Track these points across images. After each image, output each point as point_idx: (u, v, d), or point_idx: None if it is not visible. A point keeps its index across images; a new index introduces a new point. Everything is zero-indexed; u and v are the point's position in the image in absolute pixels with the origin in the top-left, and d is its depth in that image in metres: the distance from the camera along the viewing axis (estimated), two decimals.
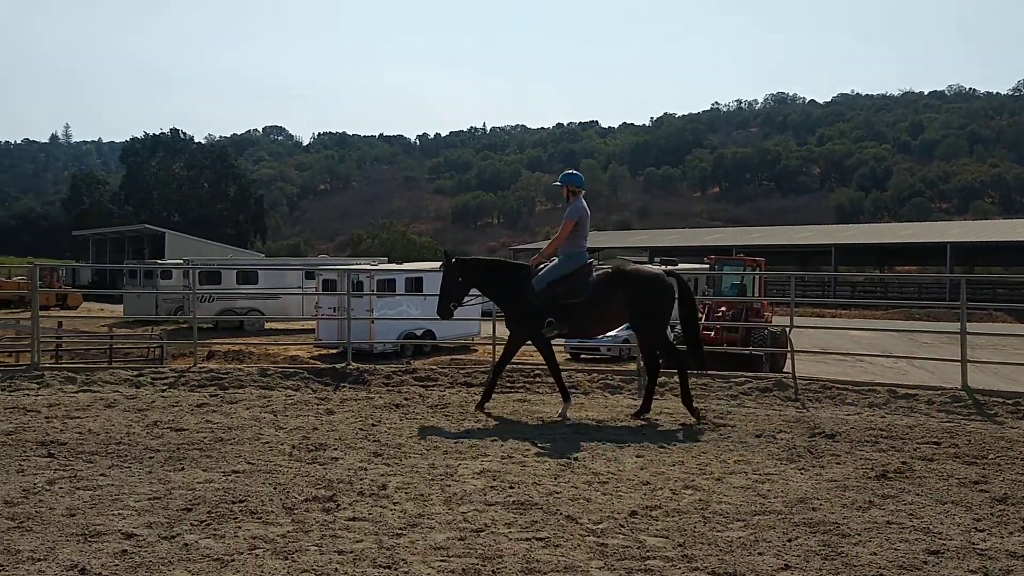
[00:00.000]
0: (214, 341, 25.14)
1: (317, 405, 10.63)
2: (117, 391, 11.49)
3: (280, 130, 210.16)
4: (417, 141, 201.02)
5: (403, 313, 27.68)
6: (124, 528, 5.61)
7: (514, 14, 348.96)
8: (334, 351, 24.80)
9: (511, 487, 6.85)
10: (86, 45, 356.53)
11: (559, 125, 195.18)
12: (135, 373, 12.45)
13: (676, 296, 10.26)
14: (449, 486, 6.84)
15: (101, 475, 7.02)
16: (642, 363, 11.23)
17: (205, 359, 14.98)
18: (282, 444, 8.32)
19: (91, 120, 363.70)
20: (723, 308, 23.34)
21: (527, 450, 8.27)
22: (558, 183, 10.59)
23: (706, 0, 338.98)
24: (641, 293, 10.05)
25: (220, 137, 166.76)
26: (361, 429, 9.15)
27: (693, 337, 10.42)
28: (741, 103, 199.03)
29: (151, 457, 7.68)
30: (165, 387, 11.83)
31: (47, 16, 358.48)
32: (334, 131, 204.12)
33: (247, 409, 10.25)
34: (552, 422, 9.78)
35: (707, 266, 28.21)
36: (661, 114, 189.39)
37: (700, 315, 12.82)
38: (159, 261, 45.05)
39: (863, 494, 6.81)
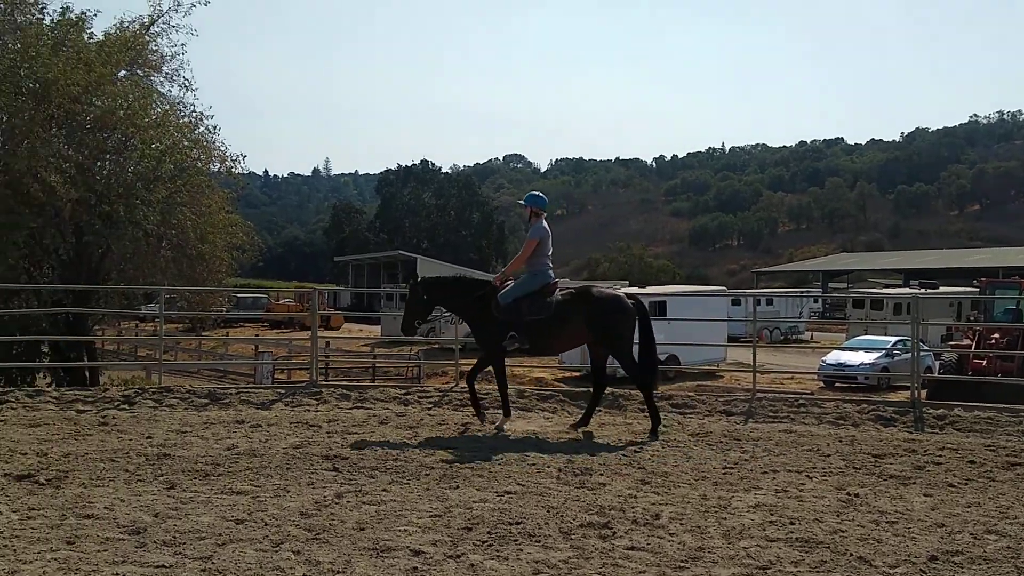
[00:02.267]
0: (465, 362, 25.94)
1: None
2: (387, 408, 12.05)
3: (519, 158, 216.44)
4: (653, 163, 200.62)
5: None
6: (411, 545, 5.78)
7: (748, 30, 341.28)
8: (577, 374, 24.97)
9: (791, 523, 6.50)
10: (345, 85, 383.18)
11: (801, 143, 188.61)
12: (403, 391, 13.01)
13: (635, 318, 10.61)
14: (725, 519, 6.59)
15: (383, 490, 7.31)
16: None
17: (457, 378, 15.62)
18: (548, 466, 8.36)
19: (348, 154, 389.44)
20: (996, 335, 21.50)
21: (802, 484, 7.85)
22: (522, 202, 11.09)
23: (959, 4, 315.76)
24: (598, 313, 10.43)
25: (464, 167, 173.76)
26: (624, 455, 9.05)
27: (651, 358, 10.76)
28: (1003, 114, 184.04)
29: (427, 474, 7.93)
30: (431, 405, 12.28)
31: (311, 59, 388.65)
32: (571, 157, 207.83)
33: (509, 430, 10.42)
34: (825, 455, 9.26)
35: (975, 289, 26.16)
36: (913, 128, 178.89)
37: (971, 343, 11.85)
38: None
39: None
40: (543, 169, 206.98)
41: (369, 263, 76.67)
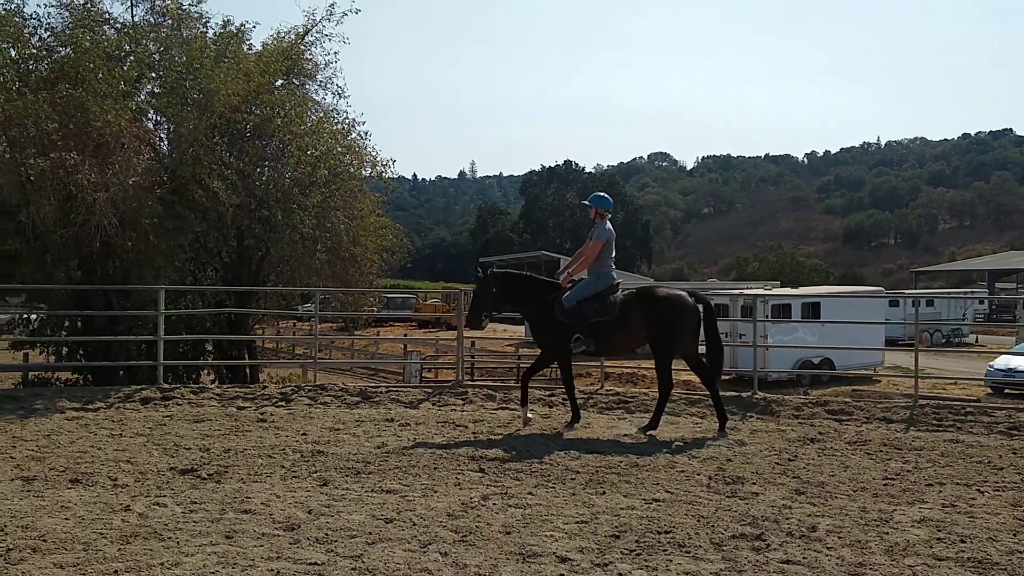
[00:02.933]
0: (610, 364, 25.76)
1: (727, 435, 10.34)
2: (532, 410, 12.04)
3: (665, 156, 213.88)
4: (805, 159, 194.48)
5: (799, 340, 26.62)
6: (558, 551, 5.72)
7: (905, 16, 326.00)
8: (726, 377, 24.42)
9: (962, 541, 6.09)
10: (490, 88, 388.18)
11: (965, 135, 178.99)
12: (547, 393, 13.00)
13: (700, 317, 10.56)
14: (887, 534, 6.23)
15: (529, 494, 7.28)
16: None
17: (602, 380, 15.46)
18: (698, 474, 8.15)
19: (494, 156, 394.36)
20: None
21: (972, 499, 7.36)
22: (587, 203, 10.96)
23: None
24: (660, 313, 10.35)
25: (608, 166, 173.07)
26: (777, 463, 8.73)
27: (717, 356, 10.71)
28: None
29: (572, 479, 7.85)
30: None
31: (456, 63, 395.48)
32: (718, 154, 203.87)
33: (657, 435, 10.23)
34: (997, 467, 8.67)
35: None
36: None
37: None
38: None
39: None
40: (689, 167, 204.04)
41: (513, 263, 77.19)
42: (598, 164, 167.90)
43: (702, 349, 10.93)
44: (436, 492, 7.28)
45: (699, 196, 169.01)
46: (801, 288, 40.00)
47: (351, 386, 13.98)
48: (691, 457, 8.95)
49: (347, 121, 19.06)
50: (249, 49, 17.76)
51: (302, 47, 18.32)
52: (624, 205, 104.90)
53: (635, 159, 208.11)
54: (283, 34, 18.39)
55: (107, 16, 16.85)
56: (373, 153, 19.16)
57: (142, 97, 16.58)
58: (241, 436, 9.92)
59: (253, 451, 8.93)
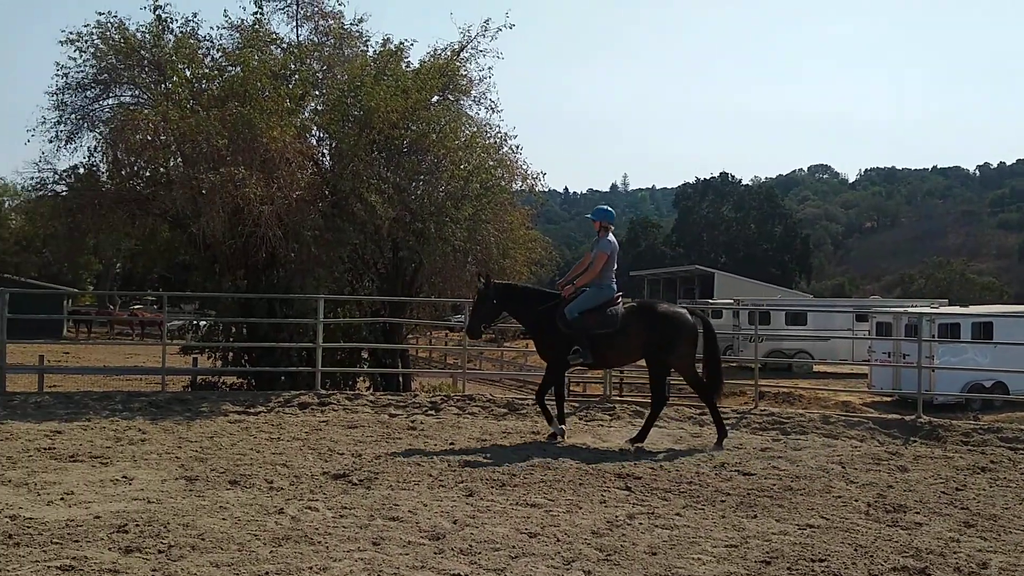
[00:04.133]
0: (765, 382, 25.03)
1: (888, 460, 9.81)
2: (682, 428, 11.80)
3: (825, 168, 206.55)
4: (976, 171, 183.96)
5: (969, 361, 25.09)
6: (705, 575, 5.53)
7: None
8: (888, 399, 23.30)
9: None
10: (642, 99, 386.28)
11: None
12: (698, 411, 12.71)
13: (698, 334, 10.76)
14: None
15: (676, 514, 7.09)
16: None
17: (756, 399, 14.96)
18: (856, 500, 7.75)
19: (646, 169, 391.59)
20: None
21: None
22: (590, 216, 11.05)
23: None
24: (659, 329, 10.51)
25: (766, 178, 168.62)
26: (944, 492, 8.20)
27: (716, 372, 10.88)
28: None
29: (722, 501, 7.61)
30: (727, 427, 11.86)
31: (606, 76, 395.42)
32: (882, 166, 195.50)
33: (812, 458, 9.81)
34: None
35: None
36: None
37: None
38: (709, 300, 46.49)
39: None
40: (851, 179, 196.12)
41: (665, 278, 76.45)
42: (755, 176, 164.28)
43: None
44: (581, 508, 7.19)
45: (862, 210, 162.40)
46: (972, 307, 37.72)
47: (499, 397, 14.08)
48: (849, 482, 8.53)
49: (499, 135, 19.26)
50: (407, 67, 18.20)
51: (457, 63, 18.65)
52: (782, 219, 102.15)
53: (794, 171, 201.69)
54: (439, 51, 18.79)
55: (274, 36, 17.70)
56: (524, 166, 19.29)
57: (306, 114, 17.26)
58: (392, 443, 10.13)
59: (403, 459, 9.09)
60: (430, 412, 12.57)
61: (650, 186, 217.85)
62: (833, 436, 11.27)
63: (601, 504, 7.39)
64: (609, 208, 11.26)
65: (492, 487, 7.89)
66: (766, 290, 57.25)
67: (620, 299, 10.80)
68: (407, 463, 8.86)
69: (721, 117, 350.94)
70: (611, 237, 10.85)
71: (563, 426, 10.86)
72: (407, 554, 5.77)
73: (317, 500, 7.18)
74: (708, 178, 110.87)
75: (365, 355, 18.77)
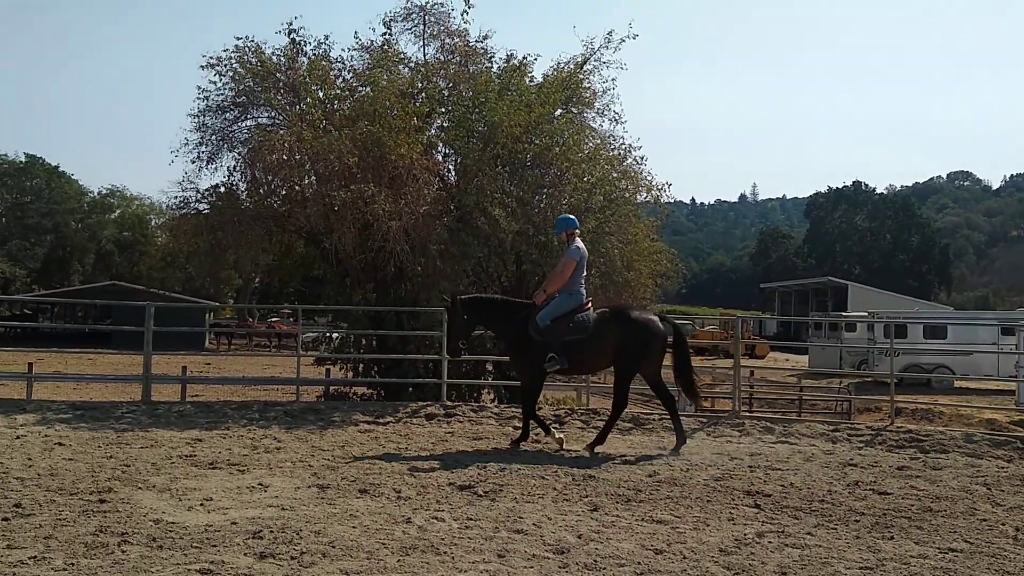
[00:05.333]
0: (901, 398, 24.05)
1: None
2: (814, 445, 11.45)
3: (966, 175, 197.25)
4: None
5: None
6: None
7: None
8: None
9: None
10: (770, 108, 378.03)
11: None
12: (831, 428, 12.30)
13: (667, 342, 11.00)
14: None
15: (808, 533, 6.87)
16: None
17: (892, 416, 14.29)
18: (1003, 524, 7.34)
19: (776, 178, 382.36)
20: None
21: None
22: (555, 230, 11.39)
23: None
24: (630, 335, 10.66)
25: (901, 186, 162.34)
26: None
27: (688, 380, 11.14)
28: None
29: (856, 520, 7.33)
30: (862, 444, 11.47)
31: (731, 84, 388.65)
32: None
33: (954, 478, 9.36)
34: None
35: None
36: None
37: None
38: (843, 313, 45.04)
39: None
40: (995, 186, 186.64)
41: (796, 290, 74.54)
42: (890, 185, 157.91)
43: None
44: (708, 525, 7.05)
45: (1007, 217, 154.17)
46: None
47: (624, 412, 13.95)
48: (995, 504, 8.10)
49: (623, 146, 19.16)
50: (530, 81, 18.34)
51: (580, 76, 18.68)
52: (920, 228, 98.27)
53: (932, 179, 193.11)
54: (562, 64, 18.86)
55: (402, 56, 18.12)
56: (649, 177, 19.13)
57: (432, 131, 17.61)
58: (516, 456, 10.17)
59: (527, 471, 9.11)
60: (554, 426, 12.57)
61: (780, 196, 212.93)
62: (977, 456, 10.74)
63: (729, 521, 7.23)
64: (571, 216, 11.50)
65: (617, 502, 7.82)
66: (903, 302, 55.11)
67: (590, 304, 10.93)
68: (531, 476, 8.89)
69: (853, 124, 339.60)
70: (579, 243, 10.98)
71: (562, 434, 11.11)
72: (532, 567, 5.78)
73: (443, 510, 7.27)
74: (841, 187, 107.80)
75: (489, 367, 18.93)
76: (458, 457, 9.92)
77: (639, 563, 5.92)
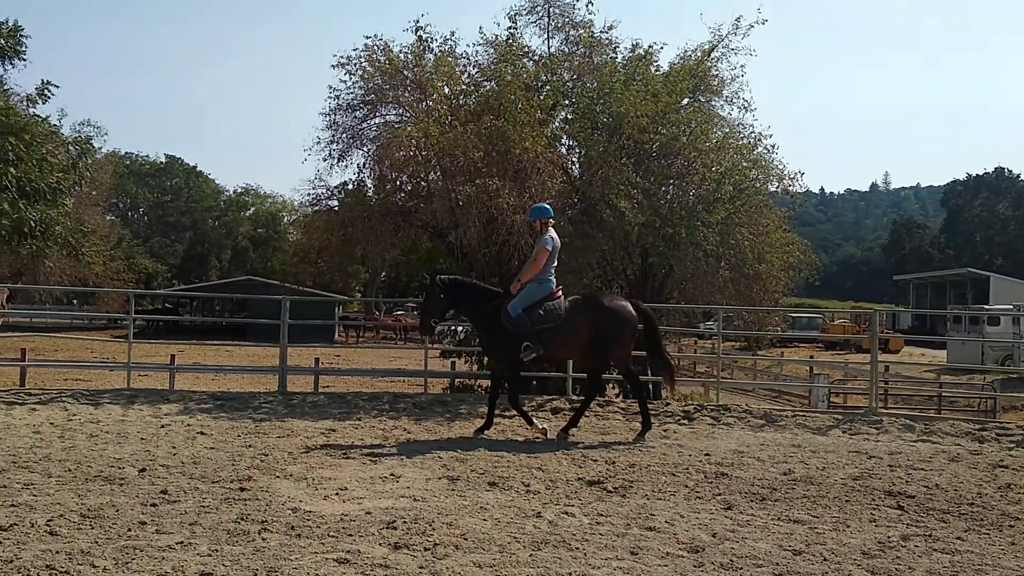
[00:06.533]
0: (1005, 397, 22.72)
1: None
2: (959, 444, 10.91)
3: None
4: None
5: None
6: None
7: None
8: None
9: None
10: (902, 93, 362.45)
11: None
12: (977, 426, 11.70)
13: (639, 327, 11.04)
14: None
15: (957, 538, 6.53)
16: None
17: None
18: None
19: (910, 166, 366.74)
20: None
21: None
22: (528, 219, 11.39)
23: None
24: (605, 320, 10.77)
25: None
26: None
27: (661, 362, 11.43)
28: None
29: (1011, 526, 6.93)
30: (1012, 444, 10.87)
31: (865, 71, 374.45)
32: None
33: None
34: None
35: None
36: None
37: None
38: (985, 306, 42.88)
39: None
40: None
41: (932, 282, 71.41)
42: None
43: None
44: (849, 527, 6.78)
45: None
46: None
47: (755, 408, 13.63)
48: None
49: (753, 135, 18.72)
50: (656, 70, 18.09)
51: (708, 64, 18.33)
52: None
53: None
54: (689, 52, 18.56)
55: (526, 49, 18.13)
56: (780, 166, 18.61)
57: (556, 123, 17.56)
58: (644, 452, 10.03)
59: (657, 468, 8.98)
60: (683, 421, 12.37)
61: (914, 184, 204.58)
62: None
63: (871, 523, 6.94)
64: (546, 205, 11.52)
65: (752, 500, 7.61)
66: None
67: (560, 293, 10.93)
68: (662, 472, 8.75)
69: (992, 109, 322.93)
70: (552, 233, 11.01)
71: (487, 430, 11.00)
72: (666, 565, 5.67)
73: (573, 505, 7.22)
74: (981, 174, 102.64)
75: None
76: (585, 452, 9.85)
77: (777, 564, 5.73)
